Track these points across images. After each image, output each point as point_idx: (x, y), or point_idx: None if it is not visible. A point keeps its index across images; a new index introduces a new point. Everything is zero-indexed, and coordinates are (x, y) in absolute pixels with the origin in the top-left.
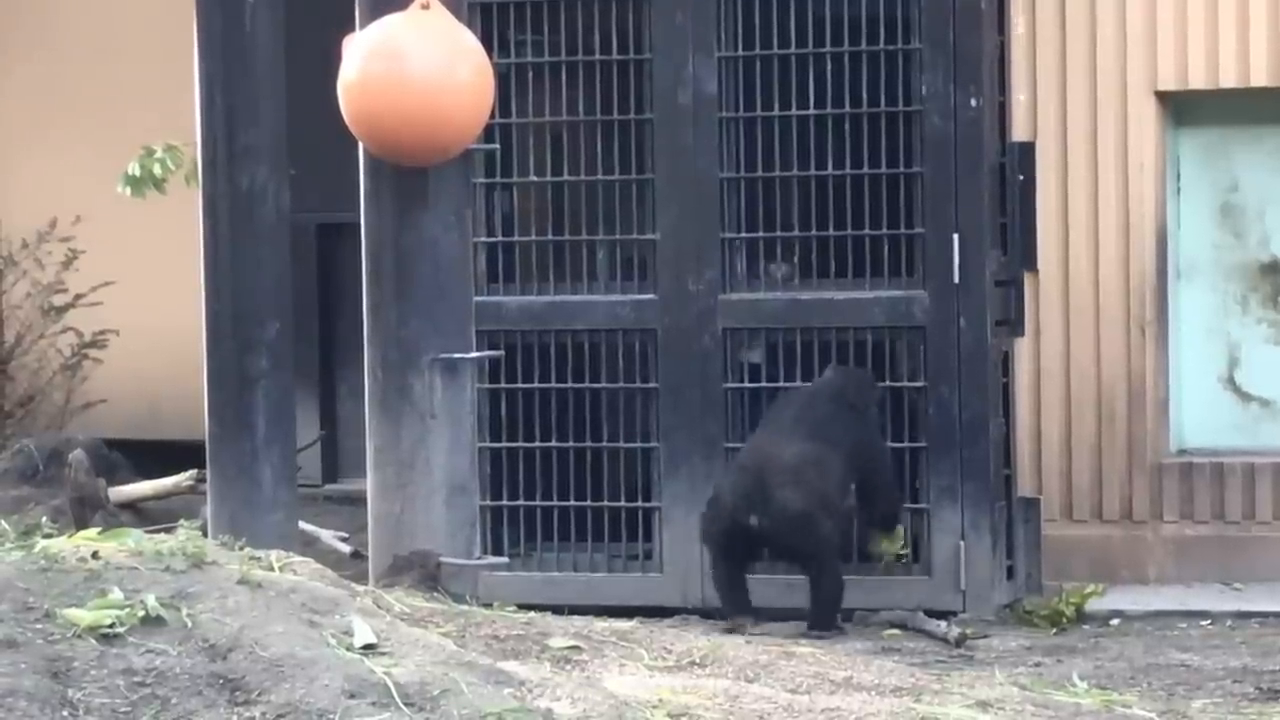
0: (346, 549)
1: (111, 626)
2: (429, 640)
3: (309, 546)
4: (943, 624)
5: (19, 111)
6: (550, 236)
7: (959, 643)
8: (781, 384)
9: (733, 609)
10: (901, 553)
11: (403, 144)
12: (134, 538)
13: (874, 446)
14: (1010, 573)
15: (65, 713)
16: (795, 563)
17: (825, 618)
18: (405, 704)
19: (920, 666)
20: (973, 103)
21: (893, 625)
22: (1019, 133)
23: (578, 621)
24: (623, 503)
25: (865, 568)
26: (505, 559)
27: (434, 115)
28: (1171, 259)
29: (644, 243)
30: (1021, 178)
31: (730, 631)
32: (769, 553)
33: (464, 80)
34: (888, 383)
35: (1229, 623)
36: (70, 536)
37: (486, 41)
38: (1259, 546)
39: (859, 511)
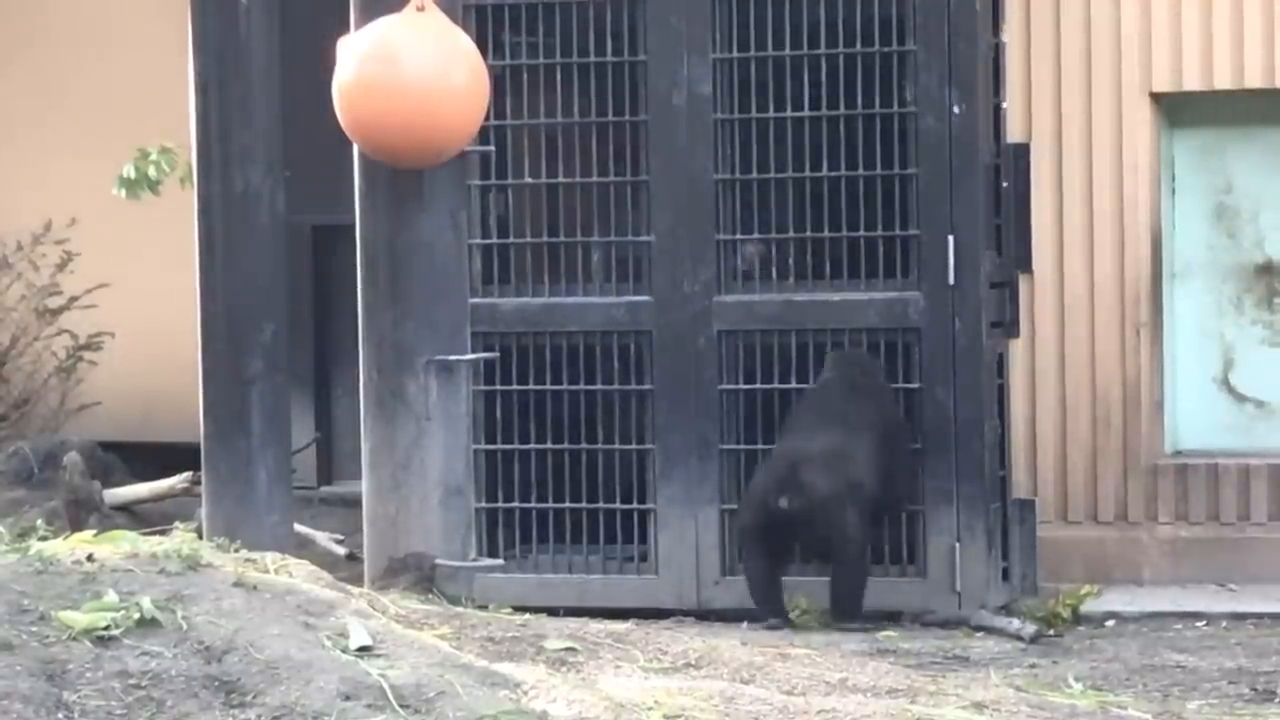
0: (342, 551)
1: (107, 629)
2: (424, 642)
3: (304, 548)
4: (1015, 621)
5: (13, 113)
6: (545, 238)
7: (1034, 639)
8: (776, 385)
9: (766, 609)
10: None
11: (398, 146)
12: (129, 540)
13: (897, 425)
14: (1005, 574)
15: (60, 715)
16: (822, 550)
17: (847, 606)
18: (401, 706)
19: (916, 668)
20: (967, 104)
21: (960, 624)
22: (1014, 134)
23: (573, 623)
24: (618, 504)
25: None
26: (500, 561)
27: (429, 118)
28: (1166, 260)
29: (639, 244)
30: (1016, 179)
31: (771, 630)
32: (799, 546)
33: (459, 82)
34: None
35: (1224, 624)
36: (65, 539)
37: (481, 43)
38: (1254, 547)
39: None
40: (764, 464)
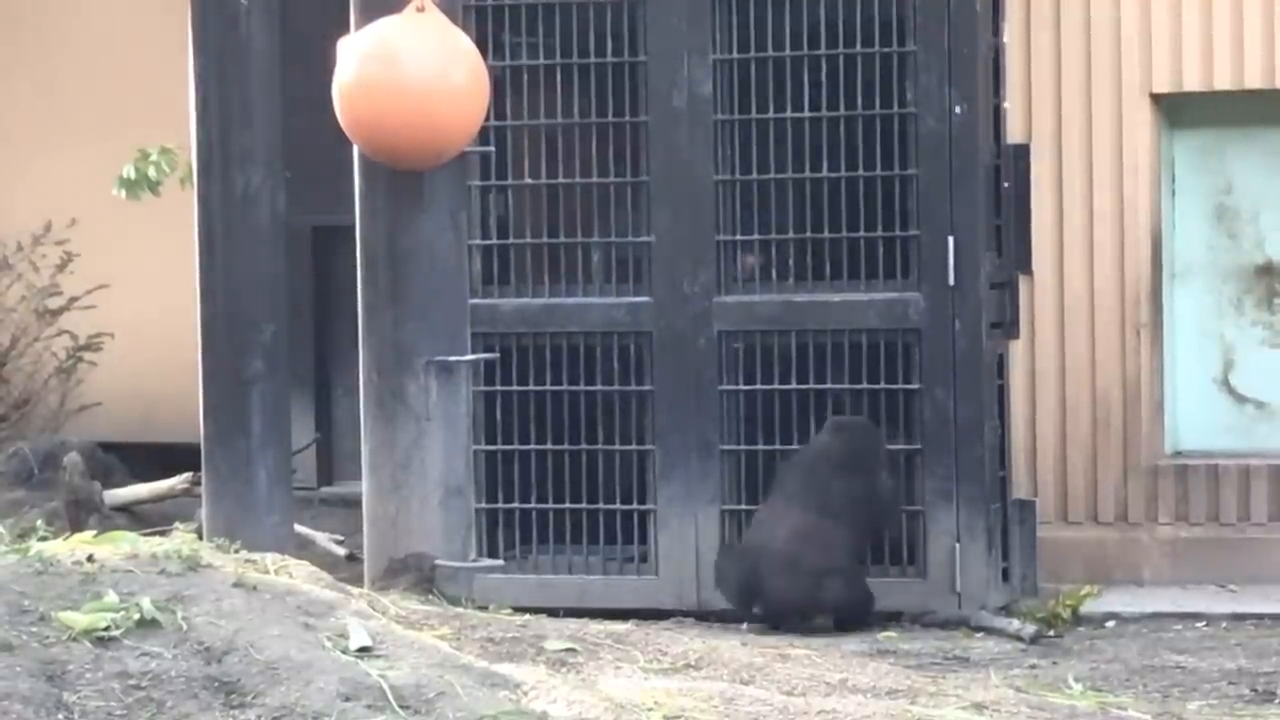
0: (342, 552)
1: (107, 629)
2: (424, 643)
3: (304, 549)
4: (1015, 621)
5: (14, 114)
6: (545, 239)
7: (1034, 640)
8: (777, 386)
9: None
10: None
11: (398, 147)
12: (129, 541)
13: (884, 510)
14: (1006, 575)
15: (60, 716)
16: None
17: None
18: (401, 706)
19: (916, 669)
20: (967, 105)
21: (960, 625)
22: (1014, 135)
23: (573, 624)
24: (618, 505)
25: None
26: (500, 561)
27: (429, 118)
28: (1166, 261)
29: (639, 245)
30: (1016, 180)
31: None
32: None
33: (459, 83)
34: (883, 385)
35: (1224, 624)
36: (65, 540)
37: (481, 44)
38: (1254, 548)
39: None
40: (736, 552)
